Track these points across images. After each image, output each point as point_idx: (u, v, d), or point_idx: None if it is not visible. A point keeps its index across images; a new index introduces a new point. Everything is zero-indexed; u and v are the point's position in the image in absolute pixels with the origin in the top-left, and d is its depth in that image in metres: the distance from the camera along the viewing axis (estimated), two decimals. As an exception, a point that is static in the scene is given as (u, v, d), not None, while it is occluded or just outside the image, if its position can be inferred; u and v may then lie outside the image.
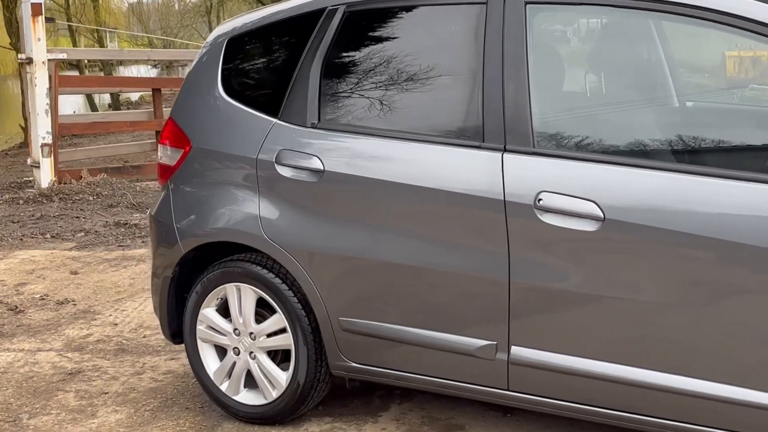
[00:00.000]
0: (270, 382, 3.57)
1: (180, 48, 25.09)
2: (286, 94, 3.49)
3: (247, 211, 3.51)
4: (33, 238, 7.33)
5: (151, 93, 11.68)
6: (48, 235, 7.38)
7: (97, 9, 25.76)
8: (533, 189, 2.96)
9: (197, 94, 3.76)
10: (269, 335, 3.55)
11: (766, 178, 2.72)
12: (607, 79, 3.44)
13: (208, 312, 3.66)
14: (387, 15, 3.44)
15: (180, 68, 15.57)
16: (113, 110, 18.61)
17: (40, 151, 9.27)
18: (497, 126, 3.07)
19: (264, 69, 3.76)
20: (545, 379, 3.06)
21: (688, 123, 3.54)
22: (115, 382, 4.20)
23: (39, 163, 9.32)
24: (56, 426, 3.76)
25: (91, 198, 8.88)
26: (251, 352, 3.59)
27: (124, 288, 5.73)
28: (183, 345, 3.80)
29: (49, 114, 9.35)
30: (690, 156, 3.00)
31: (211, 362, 3.71)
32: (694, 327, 2.81)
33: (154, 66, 28.80)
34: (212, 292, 3.63)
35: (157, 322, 3.97)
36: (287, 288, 3.46)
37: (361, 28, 3.47)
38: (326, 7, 3.46)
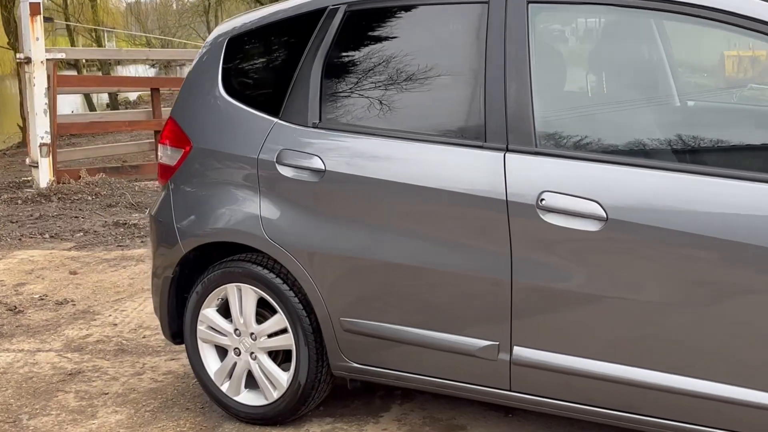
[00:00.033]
0: (271, 382, 3.56)
1: (178, 47, 25.10)
2: (287, 94, 3.49)
3: (247, 211, 3.50)
4: (32, 238, 7.31)
5: (149, 92, 11.66)
6: (47, 235, 7.37)
7: (95, 8, 25.75)
8: (536, 189, 2.95)
9: (198, 93, 3.75)
10: (270, 335, 3.54)
11: (769, 178, 2.72)
12: (609, 79, 3.43)
13: (209, 312, 3.65)
14: (388, 14, 3.43)
15: (178, 68, 15.56)
16: (111, 110, 18.61)
17: (38, 150, 9.26)
18: (499, 125, 3.06)
19: (265, 68, 3.75)
20: (548, 380, 3.05)
21: (691, 122, 3.53)
22: (115, 382, 4.19)
23: (37, 163, 9.31)
24: (56, 427, 3.75)
25: (89, 198, 8.86)
26: (252, 353, 3.58)
27: (123, 288, 5.72)
28: (183, 345, 3.79)
29: (48, 114, 9.34)
30: (694, 156, 2.99)
31: (211, 363, 3.70)
32: (697, 327, 2.81)
33: (152, 66, 28.78)
34: (213, 293, 3.62)
35: (157, 322, 3.96)
36: (288, 288, 3.46)
37: (362, 27, 3.46)
38: (327, 7, 3.45)
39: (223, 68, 3.70)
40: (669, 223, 2.79)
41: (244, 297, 3.56)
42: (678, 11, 2.91)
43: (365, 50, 3.45)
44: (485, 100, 3.09)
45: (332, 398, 3.75)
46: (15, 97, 18.38)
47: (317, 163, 3.36)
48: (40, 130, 9.28)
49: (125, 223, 7.67)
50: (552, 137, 3.07)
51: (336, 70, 3.46)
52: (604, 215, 2.86)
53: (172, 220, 3.69)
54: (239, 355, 3.61)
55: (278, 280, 3.47)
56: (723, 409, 2.80)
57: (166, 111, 10.45)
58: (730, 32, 2.87)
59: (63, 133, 10.88)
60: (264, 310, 3.56)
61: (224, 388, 3.68)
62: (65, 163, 10.34)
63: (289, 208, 3.43)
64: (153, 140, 10.81)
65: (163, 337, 3.97)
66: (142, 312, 5.18)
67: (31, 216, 8.14)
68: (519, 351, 3.07)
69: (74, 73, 22.82)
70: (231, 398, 3.67)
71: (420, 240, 3.19)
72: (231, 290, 3.58)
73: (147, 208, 8.16)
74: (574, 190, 2.90)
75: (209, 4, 31.51)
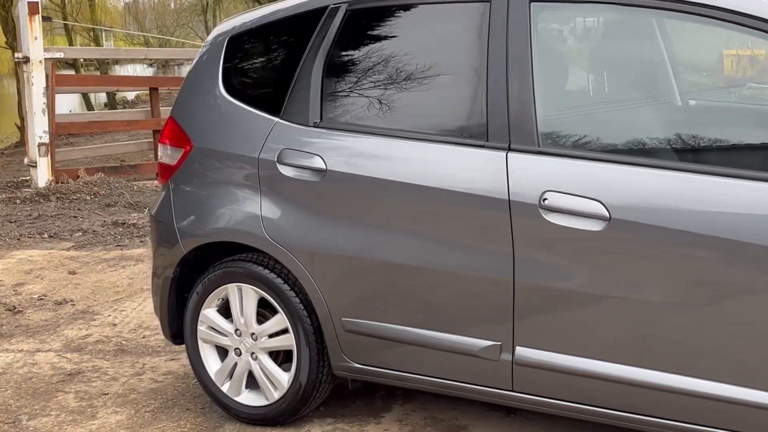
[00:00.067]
0: (272, 383, 3.55)
1: (176, 47, 25.05)
2: (288, 93, 3.48)
3: (248, 211, 3.49)
4: (30, 237, 7.30)
5: (147, 92, 11.65)
6: (45, 235, 7.36)
7: (93, 8, 25.74)
8: (538, 188, 2.94)
9: (198, 93, 3.74)
10: (271, 336, 3.53)
11: (772, 177, 2.71)
12: (611, 78, 3.42)
13: (209, 312, 3.64)
14: (389, 13, 3.42)
15: (176, 67, 15.58)
16: (109, 109, 18.60)
17: (37, 150, 9.25)
18: (501, 125, 3.05)
19: (265, 68, 3.74)
20: (550, 380, 3.04)
21: (694, 122, 3.52)
22: (114, 382, 4.18)
23: (36, 163, 9.30)
24: (56, 427, 3.74)
25: (88, 197, 8.85)
26: (253, 353, 3.57)
27: (122, 288, 5.71)
28: (183, 346, 3.78)
29: (46, 113, 9.33)
30: (696, 155, 2.99)
31: (212, 363, 3.69)
32: (698, 327, 2.80)
33: (150, 65, 28.77)
34: (213, 293, 3.61)
35: (157, 322, 3.95)
36: (289, 288, 3.45)
37: (364, 26, 3.46)
38: (328, 6, 3.44)
39: (223, 67, 3.69)
40: (672, 222, 2.78)
41: (244, 297, 3.55)
42: (680, 9, 2.90)
43: (366, 49, 3.44)
44: (487, 99, 3.08)
45: (333, 398, 3.74)
46: (13, 97, 18.35)
47: (318, 163, 3.35)
48: (39, 129, 9.27)
49: (124, 223, 7.66)
50: (554, 136, 3.06)
51: (337, 70, 3.45)
52: (607, 215, 2.85)
53: (172, 219, 3.68)
54: (240, 355, 3.60)
55: (279, 280, 3.46)
56: (723, 408, 2.80)
57: (164, 110, 10.47)
58: (731, 31, 2.87)
59: (61, 132, 10.87)
60: (265, 311, 3.55)
61: (225, 388, 3.67)
62: (63, 162, 10.33)
63: (290, 208, 3.42)
64: (151, 140, 10.81)
65: (163, 337, 3.96)
66: (142, 312, 5.17)
67: (30, 216, 8.13)
68: (521, 351, 3.06)
69: (72, 72, 22.80)
70: (232, 399, 3.66)
71: (422, 240, 3.18)
72: (231, 290, 3.57)
73: (146, 208, 8.16)
74: (576, 189, 2.90)
75: (207, 3, 31.52)
